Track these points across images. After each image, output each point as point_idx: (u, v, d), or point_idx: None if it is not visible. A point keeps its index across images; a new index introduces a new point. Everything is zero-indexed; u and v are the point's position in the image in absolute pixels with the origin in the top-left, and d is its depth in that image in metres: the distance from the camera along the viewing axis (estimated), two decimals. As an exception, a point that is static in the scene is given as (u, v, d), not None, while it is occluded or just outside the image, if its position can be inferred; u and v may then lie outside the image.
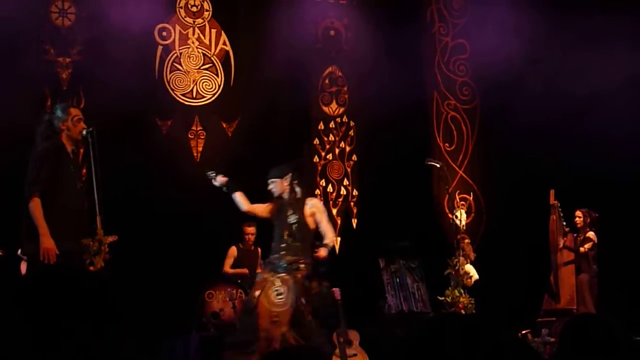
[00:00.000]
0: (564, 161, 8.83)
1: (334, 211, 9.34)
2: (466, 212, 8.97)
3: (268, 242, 8.13)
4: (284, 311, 5.76)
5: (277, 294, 5.81)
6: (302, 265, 5.92)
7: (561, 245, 8.48)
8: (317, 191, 9.34)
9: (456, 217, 8.27)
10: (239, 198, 6.28)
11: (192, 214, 8.24)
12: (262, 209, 6.25)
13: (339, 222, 9.31)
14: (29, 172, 5.23)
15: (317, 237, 6.18)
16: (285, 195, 6.06)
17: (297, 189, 6.07)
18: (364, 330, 7.90)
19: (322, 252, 5.99)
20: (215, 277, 7.96)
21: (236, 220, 7.86)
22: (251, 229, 8.23)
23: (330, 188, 9.41)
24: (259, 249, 8.33)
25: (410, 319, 8.04)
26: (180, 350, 7.60)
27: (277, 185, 6.06)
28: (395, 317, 8.14)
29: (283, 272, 5.86)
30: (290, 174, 6.06)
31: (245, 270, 8.15)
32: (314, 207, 6.10)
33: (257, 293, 5.90)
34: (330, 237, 6.16)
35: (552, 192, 8.46)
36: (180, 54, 8.76)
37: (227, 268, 8.15)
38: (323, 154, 9.44)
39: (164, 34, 8.77)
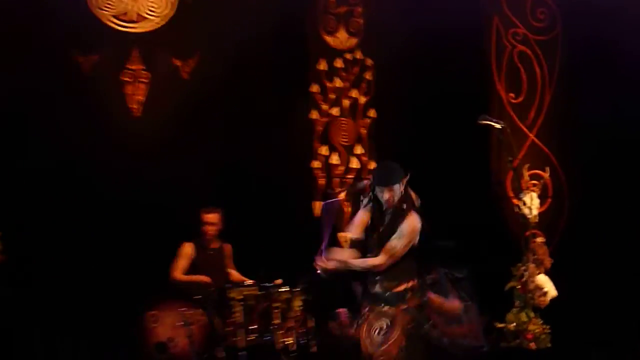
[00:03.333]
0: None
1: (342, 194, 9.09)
2: (539, 197, 8.80)
3: (239, 236, 8.09)
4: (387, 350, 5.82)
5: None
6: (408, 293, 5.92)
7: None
8: (317, 163, 9.13)
9: (524, 203, 8.13)
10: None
11: (130, 193, 8.02)
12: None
13: (349, 209, 9.07)
14: None
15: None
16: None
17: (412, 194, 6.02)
18: None
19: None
20: (160, 290, 7.68)
21: (194, 206, 7.71)
22: (212, 217, 8.00)
23: (334, 158, 9.07)
24: (228, 246, 8.13)
25: (453, 354, 7.92)
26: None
27: (396, 193, 6.01)
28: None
29: (385, 304, 5.93)
30: (406, 177, 6.00)
31: (205, 278, 7.85)
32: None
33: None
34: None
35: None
36: (112, -44, 8.45)
37: (179, 273, 7.89)
38: (325, 107, 9.14)
39: None
